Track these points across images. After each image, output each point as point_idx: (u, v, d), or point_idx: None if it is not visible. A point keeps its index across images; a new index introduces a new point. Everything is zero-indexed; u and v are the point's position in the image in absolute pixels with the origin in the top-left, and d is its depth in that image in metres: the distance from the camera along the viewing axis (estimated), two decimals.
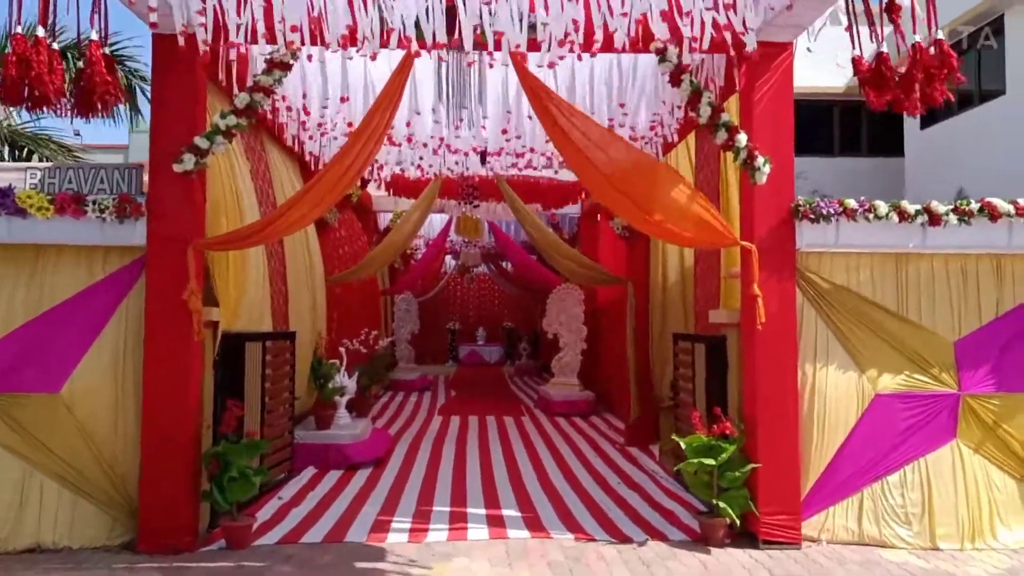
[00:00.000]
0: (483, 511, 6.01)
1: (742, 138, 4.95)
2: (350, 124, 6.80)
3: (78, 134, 17.49)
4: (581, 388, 11.86)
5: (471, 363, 21.80)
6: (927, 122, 13.52)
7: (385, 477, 7.14)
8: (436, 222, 14.89)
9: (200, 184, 5.14)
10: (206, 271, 5.35)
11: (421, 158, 7.67)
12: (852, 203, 5.12)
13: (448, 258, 19.68)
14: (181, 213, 5.04)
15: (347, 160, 4.97)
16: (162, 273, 5.00)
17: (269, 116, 6.75)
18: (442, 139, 7.16)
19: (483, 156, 8.49)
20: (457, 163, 7.60)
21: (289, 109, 6.89)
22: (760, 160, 4.93)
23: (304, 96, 6.59)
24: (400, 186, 9.12)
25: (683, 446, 5.04)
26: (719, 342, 5.67)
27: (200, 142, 4.92)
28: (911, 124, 14.04)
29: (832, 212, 5.06)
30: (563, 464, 7.84)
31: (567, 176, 9.22)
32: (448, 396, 14.33)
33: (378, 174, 8.82)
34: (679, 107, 6.66)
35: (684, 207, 5.06)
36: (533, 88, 5.14)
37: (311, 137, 7.42)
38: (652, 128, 7.17)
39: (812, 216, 5.05)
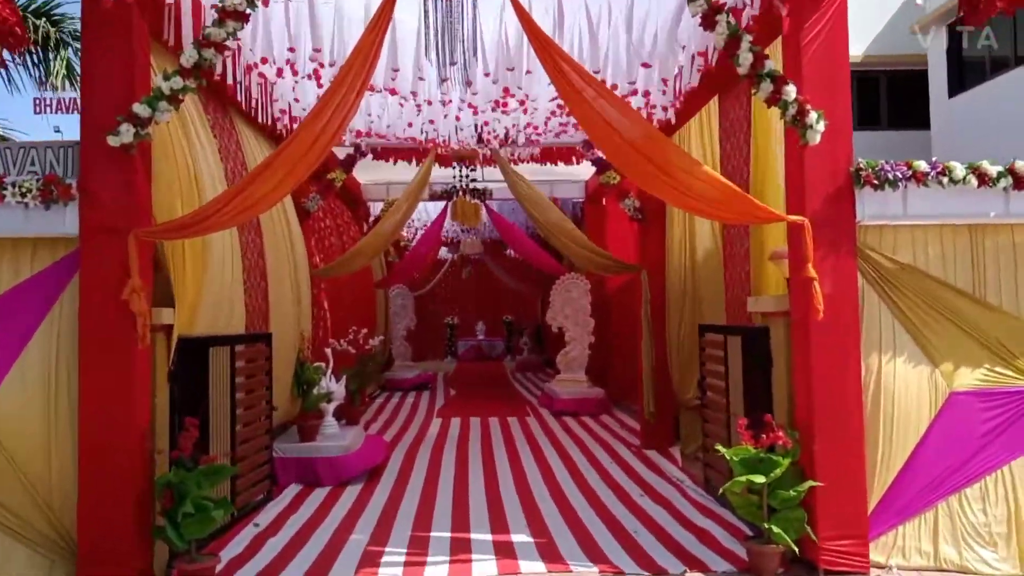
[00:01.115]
0: (489, 536, 5.20)
1: (791, 90, 4.11)
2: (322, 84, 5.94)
3: (58, 131, 16.62)
4: (589, 385, 11.07)
5: (471, 358, 21.01)
6: (955, 89, 12.65)
7: (378, 495, 6.33)
8: (432, 211, 14.07)
9: (143, 162, 4.29)
10: (157, 265, 4.53)
11: (410, 125, 6.81)
12: (922, 165, 4.30)
13: (445, 250, 18.85)
14: (120, 196, 4.20)
15: (320, 122, 4.14)
16: (98, 268, 4.17)
17: (239, 89, 5.90)
18: (429, 102, 6.29)
19: (479, 136, 7.67)
20: (449, 132, 6.69)
21: (261, 76, 6.05)
22: (813, 116, 4.10)
23: (268, 60, 5.71)
24: (386, 154, 8.28)
25: (728, 459, 4.22)
26: (759, 334, 4.85)
27: (139, 109, 4.07)
28: (938, 92, 13.15)
29: (899, 176, 4.24)
30: (576, 473, 7.04)
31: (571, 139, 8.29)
32: (447, 395, 13.54)
33: (363, 145, 7.96)
34: (699, 70, 5.84)
35: (715, 177, 4.26)
36: (541, 41, 4.33)
37: (283, 110, 6.57)
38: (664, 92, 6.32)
39: (875, 182, 4.22)
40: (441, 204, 12.38)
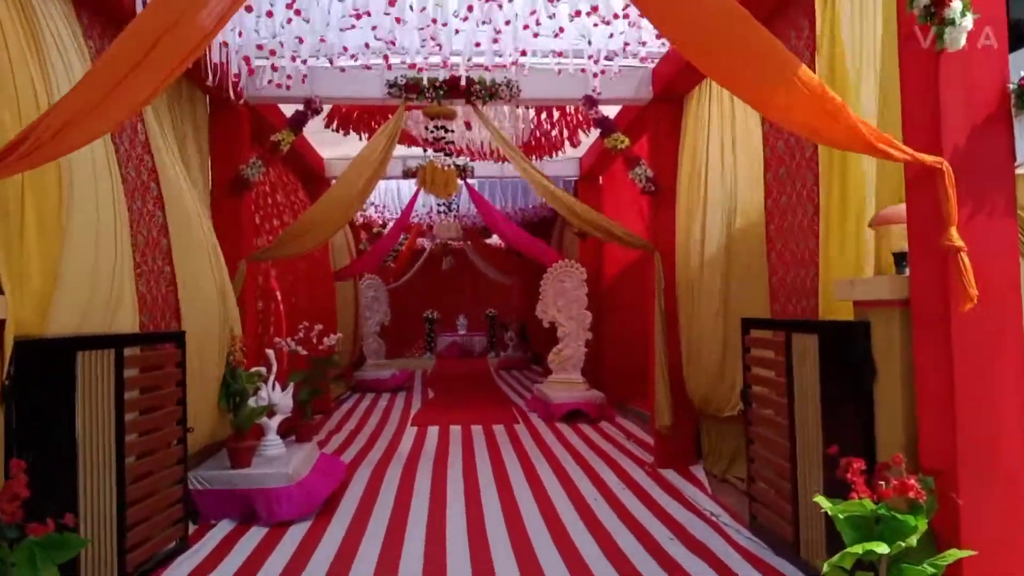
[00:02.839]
0: None
1: None
2: None
3: None
4: (587, 387, 9.68)
5: (452, 355, 19.62)
6: None
7: (330, 535, 4.91)
8: (405, 193, 12.61)
9: None
10: None
11: (367, 46, 5.29)
12: None
13: (422, 242, 17.38)
14: None
15: None
16: None
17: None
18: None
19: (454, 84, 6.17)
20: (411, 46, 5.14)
21: None
22: (956, 5, 2.72)
23: None
24: (345, 120, 6.84)
25: (833, 516, 2.82)
26: (854, 332, 3.46)
27: None
28: None
29: None
30: (580, 503, 5.64)
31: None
32: (425, 397, 12.11)
33: (316, 99, 6.46)
34: None
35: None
36: None
37: None
38: None
39: None
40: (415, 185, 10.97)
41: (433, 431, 8.76)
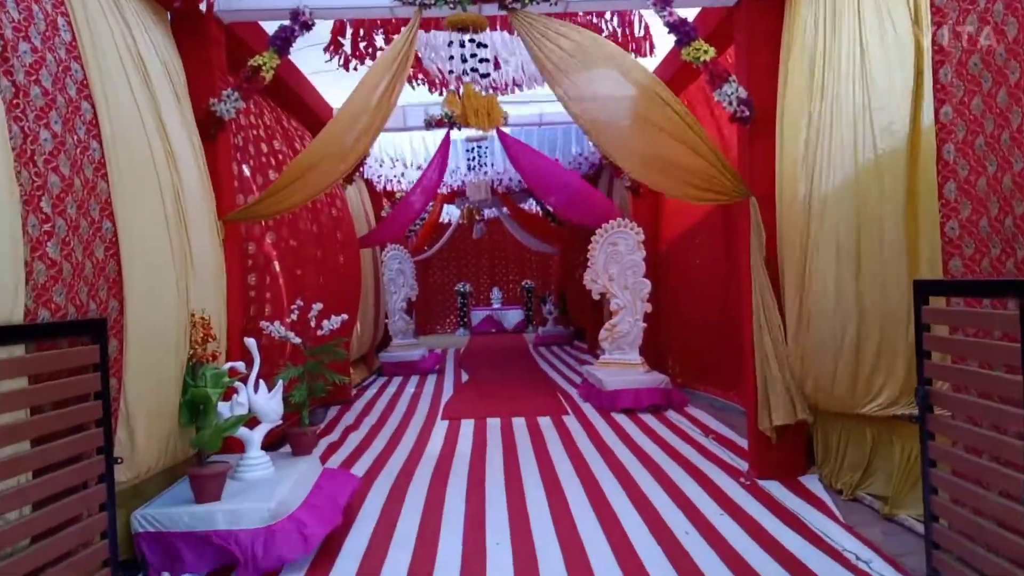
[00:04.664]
0: None
1: None
2: None
3: None
4: (647, 369, 8.17)
5: (486, 331, 18.24)
6: None
7: None
8: (432, 148, 11.08)
9: None
10: None
11: None
12: None
13: (451, 210, 15.90)
14: None
15: None
16: None
17: None
18: None
19: None
20: None
21: None
22: None
23: None
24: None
25: None
26: None
27: None
28: None
29: None
30: (663, 533, 4.19)
31: None
32: (458, 380, 10.72)
33: (304, 11, 4.96)
34: None
35: None
36: None
37: None
38: None
39: None
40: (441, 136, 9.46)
41: (467, 427, 7.36)
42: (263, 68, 4.96)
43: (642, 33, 6.62)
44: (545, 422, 7.40)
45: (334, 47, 6.37)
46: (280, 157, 6.34)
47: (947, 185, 3.48)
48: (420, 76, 7.50)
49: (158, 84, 4.22)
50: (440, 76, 7.26)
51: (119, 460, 3.29)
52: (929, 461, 3.20)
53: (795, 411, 4.86)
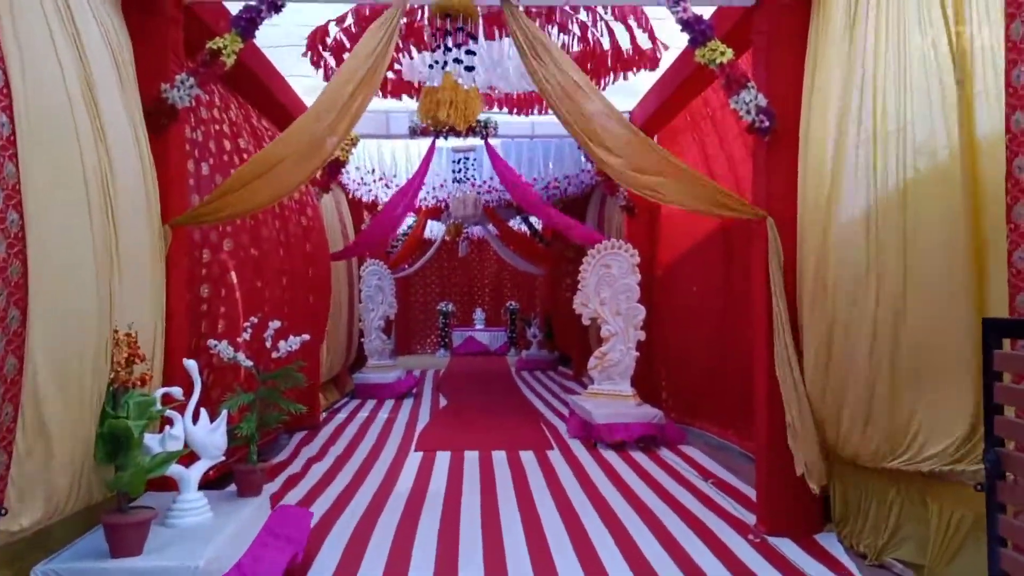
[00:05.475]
0: None
1: None
2: None
3: None
4: (638, 402, 7.58)
5: (468, 352, 17.60)
6: None
7: None
8: (414, 154, 10.52)
9: None
10: None
11: None
12: None
13: (436, 226, 15.32)
14: None
15: None
16: None
17: None
18: None
19: None
20: None
21: None
22: None
23: None
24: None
25: None
26: None
27: None
28: None
29: None
30: None
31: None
32: (435, 406, 10.07)
33: None
34: None
35: None
36: None
37: None
38: None
39: None
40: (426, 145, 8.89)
41: (443, 460, 6.72)
42: (223, 52, 4.37)
43: (649, 45, 6.14)
44: (527, 457, 6.79)
45: (315, 56, 5.86)
46: (245, 157, 5.73)
47: (1016, 207, 2.95)
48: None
49: (95, 58, 3.62)
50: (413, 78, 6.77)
51: (3, 511, 2.65)
52: (999, 539, 2.63)
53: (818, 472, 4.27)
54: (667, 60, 6.67)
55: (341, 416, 9.23)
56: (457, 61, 4.64)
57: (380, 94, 7.01)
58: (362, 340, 11.44)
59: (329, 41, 6.04)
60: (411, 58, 6.38)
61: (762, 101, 4.43)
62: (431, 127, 6.30)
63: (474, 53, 4.83)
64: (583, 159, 10.28)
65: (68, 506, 3.25)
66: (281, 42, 6.28)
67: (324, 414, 9.08)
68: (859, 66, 3.95)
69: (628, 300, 7.75)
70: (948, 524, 3.58)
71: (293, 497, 5.51)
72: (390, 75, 6.93)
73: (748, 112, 4.43)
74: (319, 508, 5.20)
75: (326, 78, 6.35)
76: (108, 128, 3.55)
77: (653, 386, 8.30)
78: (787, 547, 4.34)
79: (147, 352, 3.74)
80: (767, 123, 4.45)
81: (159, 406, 3.53)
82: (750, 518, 4.85)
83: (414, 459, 6.80)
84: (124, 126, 3.80)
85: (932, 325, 3.54)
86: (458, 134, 7.73)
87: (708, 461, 6.54)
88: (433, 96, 4.74)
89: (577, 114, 4.43)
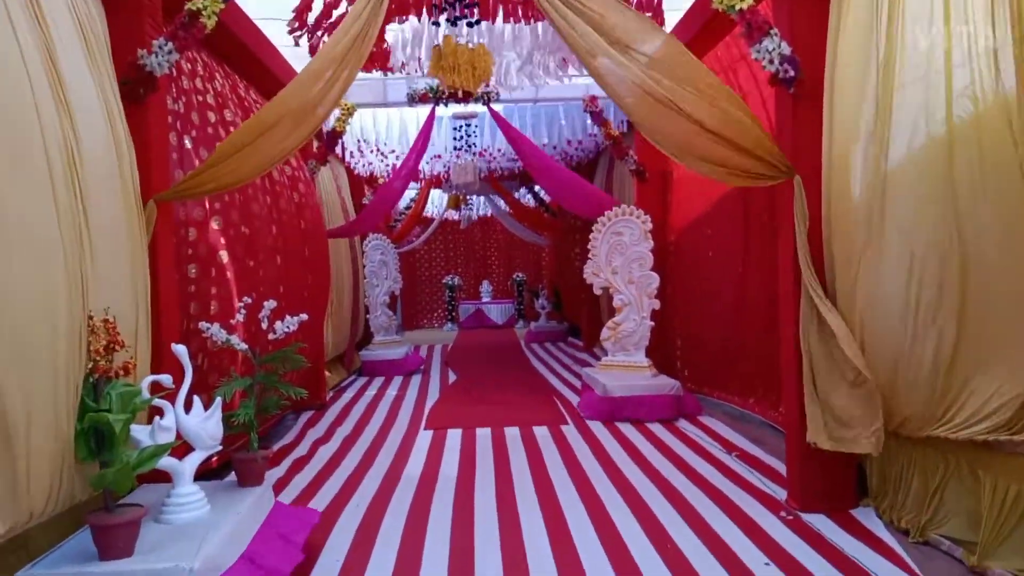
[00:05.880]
0: None
1: None
2: None
3: None
4: (654, 373, 7.33)
5: (475, 326, 17.36)
6: None
7: None
8: (411, 122, 10.15)
9: None
10: None
11: None
12: None
13: (437, 197, 15.00)
14: None
15: None
16: None
17: None
18: None
19: None
20: None
21: None
22: None
23: None
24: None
25: None
26: None
27: None
28: None
29: None
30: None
31: None
32: (444, 382, 9.84)
33: None
34: None
35: None
36: None
37: None
38: None
39: None
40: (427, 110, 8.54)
41: (454, 438, 6.49)
42: (203, 13, 4.05)
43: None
44: (542, 432, 6.55)
45: (299, 23, 5.51)
46: (231, 129, 5.40)
47: None
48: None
49: (57, 24, 3.30)
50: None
51: None
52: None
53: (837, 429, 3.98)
54: (670, 23, 6.36)
55: (348, 395, 9.01)
56: (459, 18, 4.29)
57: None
58: (368, 316, 11.20)
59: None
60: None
61: (786, 49, 4.09)
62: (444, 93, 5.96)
63: (475, 4, 4.46)
64: (589, 123, 9.90)
65: (48, 508, 3.01)
66: (274, 15, 5.95)
67: (331, 393, 8.86)
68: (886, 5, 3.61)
69: (641, 268, 7.46)
70: (1004, 499, 3.30)
71: (300, 482, 5.28)
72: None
73: (771, 62, 4.09)
74: (326, 493, 4.98)
75: (311, 52, 6.02)
76: (73, 98, 3.25)
77: (667, 356, 8.03)
78: (823, 524, 4.10)
79: (129, 338, 3.47)
80: (792, 73, 4.11)
81: (146, 395, 3.28)
82: (780, 493, 4.60)
83: (424, 438, 6.58)
84: (91, 96, 3.49)
85: (998, 278, 3.22)
86: (467, 97, 7.40)
87: (730, 432, 6.28)
88: (437, 64, 4.41)
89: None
